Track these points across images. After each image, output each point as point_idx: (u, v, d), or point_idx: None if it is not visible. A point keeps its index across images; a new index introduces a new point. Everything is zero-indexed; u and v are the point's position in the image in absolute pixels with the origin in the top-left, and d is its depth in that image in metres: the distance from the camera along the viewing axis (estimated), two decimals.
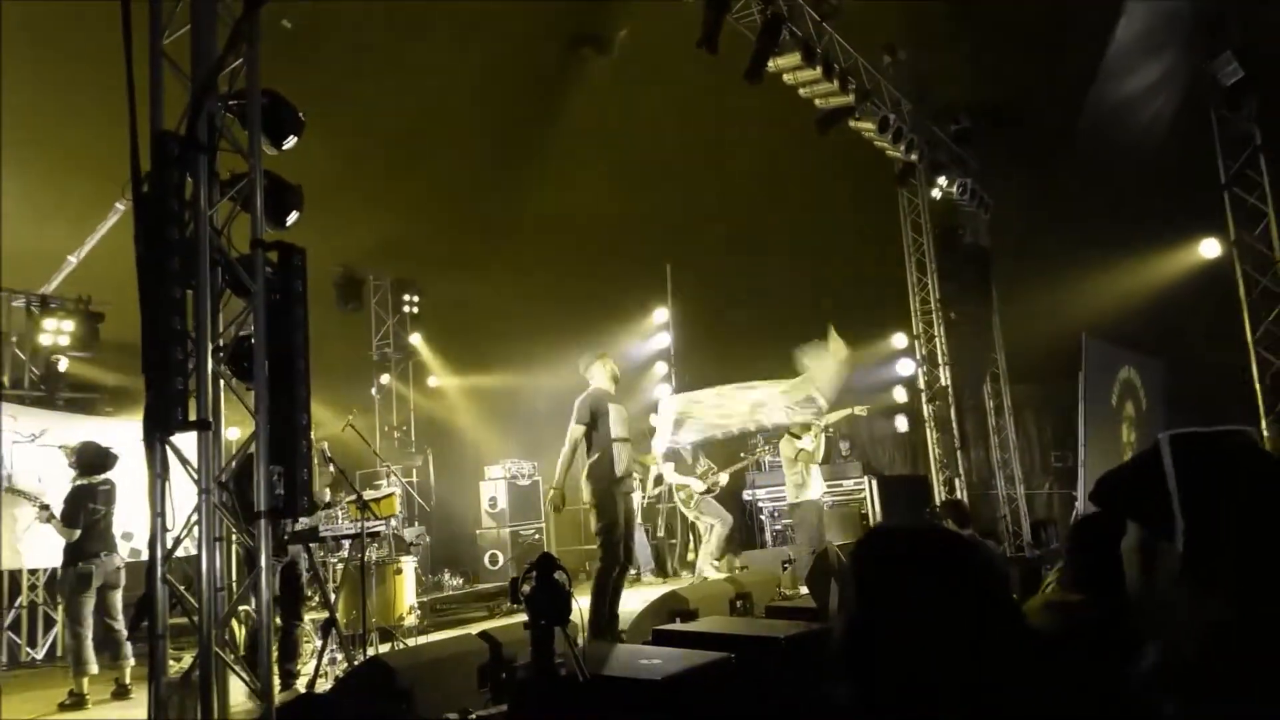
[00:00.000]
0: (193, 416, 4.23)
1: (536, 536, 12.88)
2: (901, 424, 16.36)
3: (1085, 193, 11.88)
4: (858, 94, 9.74)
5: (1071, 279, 12.01)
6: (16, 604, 9.91)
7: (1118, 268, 12.40)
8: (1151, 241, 12.19)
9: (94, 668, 7.15)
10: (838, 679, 1.47)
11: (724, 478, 11.45)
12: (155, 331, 4.12)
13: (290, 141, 5.03)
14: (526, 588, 4.32)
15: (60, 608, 8.28)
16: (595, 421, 7.07)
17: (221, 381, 4.63)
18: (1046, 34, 10.42)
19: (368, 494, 7.97)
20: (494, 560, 12.94)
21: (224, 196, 4.70)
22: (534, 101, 10.65)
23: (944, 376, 12.16)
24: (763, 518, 13.25)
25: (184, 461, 4.34)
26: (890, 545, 1.56)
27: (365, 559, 7.16)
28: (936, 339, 12.26)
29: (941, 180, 11.81)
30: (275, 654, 6.14)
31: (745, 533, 12.93)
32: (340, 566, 7.88)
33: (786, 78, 9.18)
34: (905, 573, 1.48)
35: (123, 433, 8.45)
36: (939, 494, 11.94)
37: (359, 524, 7.12)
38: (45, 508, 7.48)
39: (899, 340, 14.69)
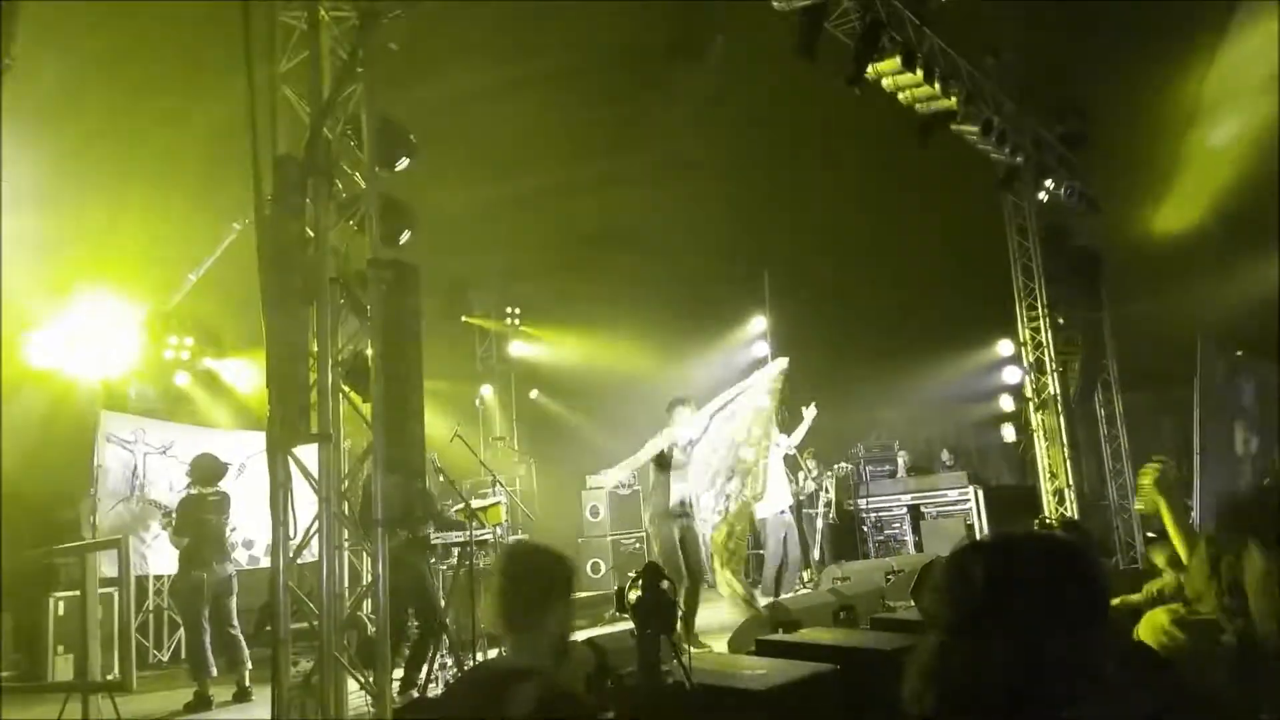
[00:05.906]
0: (314, 429, 4.39)
1: (637, 546, 12.93)
2: (1008, 433, 15.94)
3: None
4: (960, 98, 9.55)
5: (1188, 282, 11.54)
6: (144, 608, 10.36)
7: (1238, 269, 11.86)
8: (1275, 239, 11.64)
9: (214, 670, 7.42)
10: (925, 690, 1.42)
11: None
12: (279, 347, 4.30)
13: (403, 164, 5.20)
14: (632, 596, 4.36)
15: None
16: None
17: (340, 395, 4.81)
18: (1152, 29, 10.08)
19: (474, 503, 8.13)
20: (595, 569, 13.07)
21: (341, 218, 4.89)
22: (630, 112, 10.75)
23: (1053, 384, 11.80)
24: (865, 528, 13.05)
25: (305, 472, 4.52)
26: (991, 555, 1.52)
27: (474, 566, 7.31)
28: (1044, 345, 11.91)
29: (1048, 183, 11.48)
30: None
31: (840, 545, 12.69)
32: (449, 573, 8.05)
33: (886, 83, 9.04)
34: (1008, 583, 1.45)
35: (245, 444, 8.79)
36: (1048, 505, 11.58)
37: (467, 532, 7.27)
38: (168, 515, 7.81)
39: (1005, 347, 14.31)
